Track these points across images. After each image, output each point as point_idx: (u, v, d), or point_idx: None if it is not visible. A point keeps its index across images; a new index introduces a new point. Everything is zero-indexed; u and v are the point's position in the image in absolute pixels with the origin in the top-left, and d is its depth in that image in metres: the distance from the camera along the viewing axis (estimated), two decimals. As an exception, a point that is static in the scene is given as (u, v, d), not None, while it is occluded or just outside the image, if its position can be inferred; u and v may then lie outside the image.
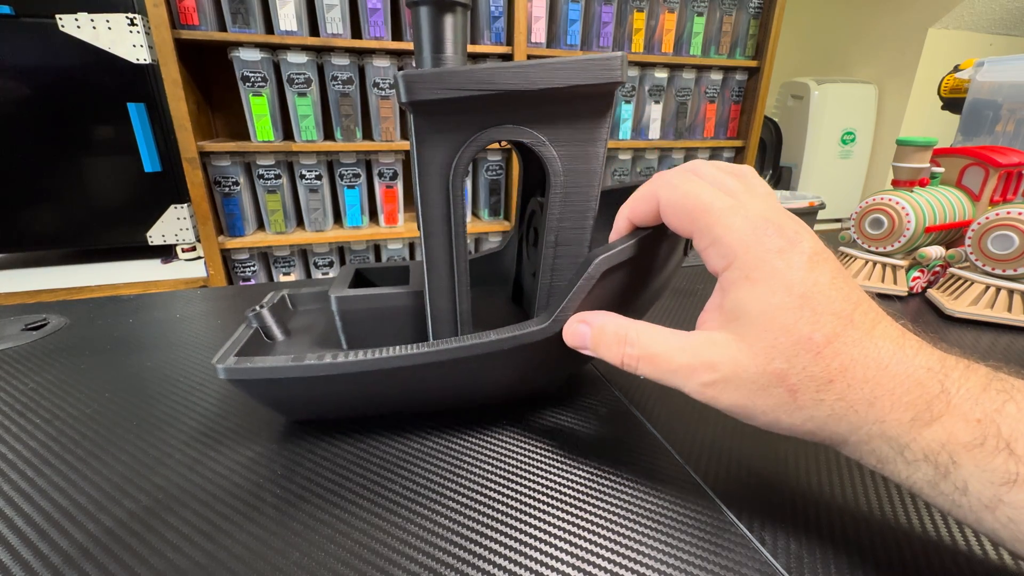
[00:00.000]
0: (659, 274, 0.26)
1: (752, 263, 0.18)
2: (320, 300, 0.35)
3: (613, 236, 0.23)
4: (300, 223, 1.43)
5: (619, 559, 0.20)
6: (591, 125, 0.23)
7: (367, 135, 1.37)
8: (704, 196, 0.19)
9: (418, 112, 0.22)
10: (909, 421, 0.16)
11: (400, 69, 1.27)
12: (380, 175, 1.40)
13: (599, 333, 0.22)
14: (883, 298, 0.48)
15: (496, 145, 0.25)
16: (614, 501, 0.23)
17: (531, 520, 0.22)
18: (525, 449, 0.26)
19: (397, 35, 1.30)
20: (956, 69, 1.08)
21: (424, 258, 0.25)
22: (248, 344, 0.28)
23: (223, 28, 1.18)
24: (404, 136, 1.37)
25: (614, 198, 0.33)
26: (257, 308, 0.30)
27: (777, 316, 0.18)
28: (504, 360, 0.25)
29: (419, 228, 0.25)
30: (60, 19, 1.09)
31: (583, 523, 0.22)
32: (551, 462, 0.25)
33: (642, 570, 0.19)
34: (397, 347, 0.24)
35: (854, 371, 0.17)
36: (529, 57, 1.36)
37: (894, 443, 0.17)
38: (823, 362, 0.17)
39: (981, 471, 0.15)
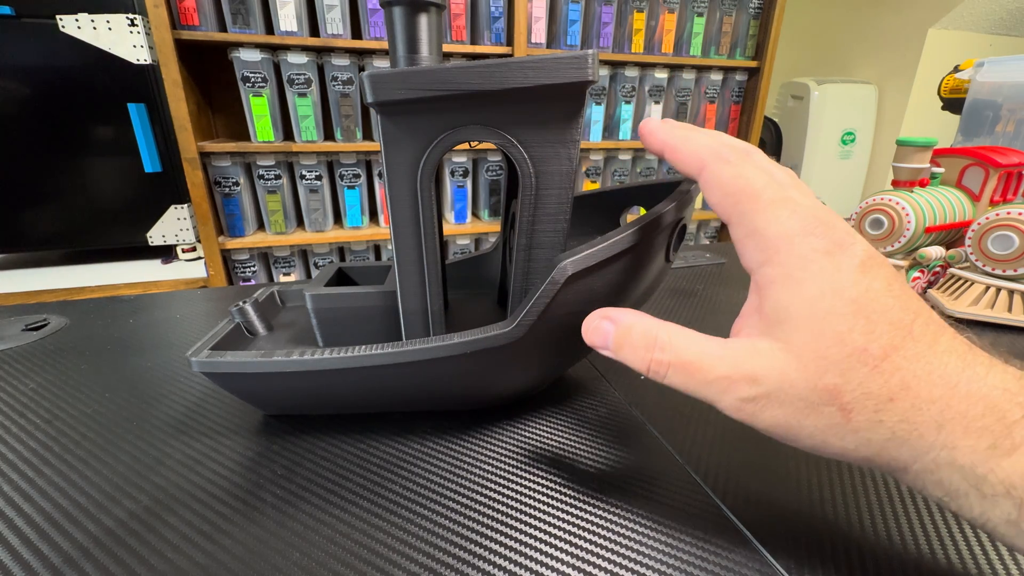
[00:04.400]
0: (637, 279, 0.25)
1: (796, 261, 0.16)
2: None
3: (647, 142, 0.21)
4: (300, 223, 1.43)
5: (619, 559, 0.20)
6: (562, 126, 0.22)
7: (367, 135, 1.37)
8: (756, 181, 0.17)
9: (384, 112, 0.22)
10: (986, 449, 0.14)
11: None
12: (380, 175, 1.40)
13: (624, 333, 0.19)
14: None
15: (466, 146, 0.24)
16: (614, 501, 0.23)
17: (531, 520, 0.22)
18: (525, 449, 0.26)
19: (397, 35, 1.30)
20: (956, 69, 1.08)
21: (394, 258, 0.25)
22: (226, 338, 0.28)
23: (223, 28, 1.18)
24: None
25: (614, 199, 0.33)
26: (241, 303, 0.30)
27: (827, 322, 0.15)
28: (470, 363, 0.25)
29: (390, 228, 0.25)
30: (60, 19, 1.09)
31: (583, 523, 0.22)
32: (551, 462, 0.25)
33: (642, 570, 0.19)
34: (361, 347, 0.25)
35: (918, 389, 0.15)
36: (529, 57, 1.35)
37: (968, 473, 0.15)
38: (881, 378, 0.15)
39: None
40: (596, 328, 0.20)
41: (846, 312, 0.15)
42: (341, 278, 0.33)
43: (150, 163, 1.23)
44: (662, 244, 0.25)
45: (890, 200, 0.47)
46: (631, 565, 0.20)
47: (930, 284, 0.50)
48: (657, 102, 1.56)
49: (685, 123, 0.20)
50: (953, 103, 1.06)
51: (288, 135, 1.32)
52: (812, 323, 0.16)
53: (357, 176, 1.37)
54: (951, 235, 0.50)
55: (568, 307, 0.23)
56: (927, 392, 0.15)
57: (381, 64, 1.28)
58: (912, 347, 0.15)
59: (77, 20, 1.11)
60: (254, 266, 1.38)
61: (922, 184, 0.49)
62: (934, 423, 0.15)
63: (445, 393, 0.28)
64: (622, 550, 0.20)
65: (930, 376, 0.15)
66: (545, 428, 0.28)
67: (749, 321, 0.18)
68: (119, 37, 1.14)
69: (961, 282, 0.45)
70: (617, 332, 0.19)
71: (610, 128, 1.58)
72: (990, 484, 0.14)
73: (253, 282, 1.39)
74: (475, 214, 1.58)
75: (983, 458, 0.14)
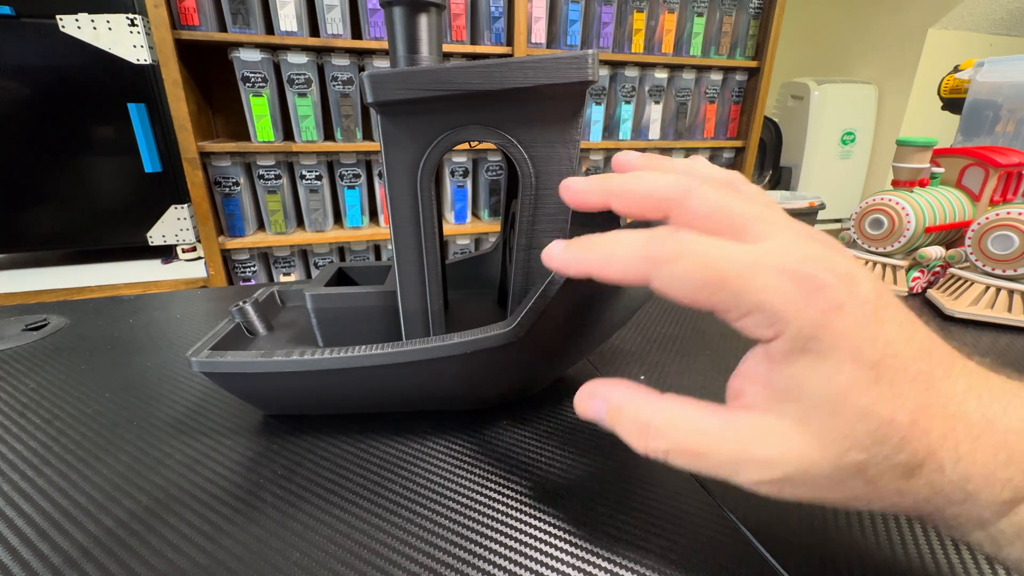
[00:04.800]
0: None
1: (808, 331, 0.14)
2: None
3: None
4: (300, 223, 1.43)
5: (619, 559, 0.20)
6: (562, 126, 0.22)
7: (367, 135, 1.37)
8: (713, 257, 0.15)
9: (384, 112, 0.22)
10: (1003, 503, 0.14)
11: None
12: (380, 175, 1.40)
13: (615, 414, 0.18)
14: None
15: (466, 146, 0.24)
16: (614, 501, 0.23)
17: (531, 520, 0.22)
18: (525, 449, 0.26)
19: (397, 35, 1.30)
20: (956, 69, 1.08)
21: (394, 258, 0.25)
22: (227, 338, 0.28)
23: (223, 28, 1.18)
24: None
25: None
26: (241, 303, 0.30)
27: (849, 398, 0.14)
28: (471, 363, 0.25)
29: (390, 228, 0.25)
30: (60, 19, 1.09)
31: (583, 523, 0.22)
32: (551, 463, 0.25)
33: (642, 570, 0.19)
34: (361, 347, 0.25)
35: (944, 452, 0.14)
36: (529, 57, 1.35)
37: (983, 523, 0.15)
38: (910, 448, 0.14)
39: None
40: (587, 407, 0.19)
41: (868, 381, 0.14)
42: (341, 278, 0.33)
43: (150, 163, 1.23)
44: None
45: (890, 200, 0.47)
46: (631, 565, 0.20)
47: (930, 284, 0.50)
48: (657, 102, 1.56)
49: (591, 242, 0.17)
50: (953, 103, 1.06)
51: (288, 135, 1.32)
52: (831, 401, 0.14)
53: (357, 176, 1.37)
54: (951, 235, 0.50)
55: (568, 307, 0.23)
56: (952, 452, 0.14)
57: (381, 64, 1.28)
58: (936, 400, 0.14)
59: (77, 20, 1.11)
60: (254, 266, 1.38)
61: (922, 184, 0.49)
62: (957, 484, 0.14)
63: (445, 393, 0.28)
64: (622, 550, 0.20)
65: (955, 432, 0.14)
66: (545, 428, 0.28)
67: (754, 389, 0.16)
68: (119, 37, 1.14)
69: (961, 282, 0.45)
70: (608, 413, 0.18)
71: (610, 128, 1.58)
72: (1003, 532, 0.14)
73: (253, 282, 1.39)
74: (475, 214, 1.58)
75: (999, 510, 0.14)
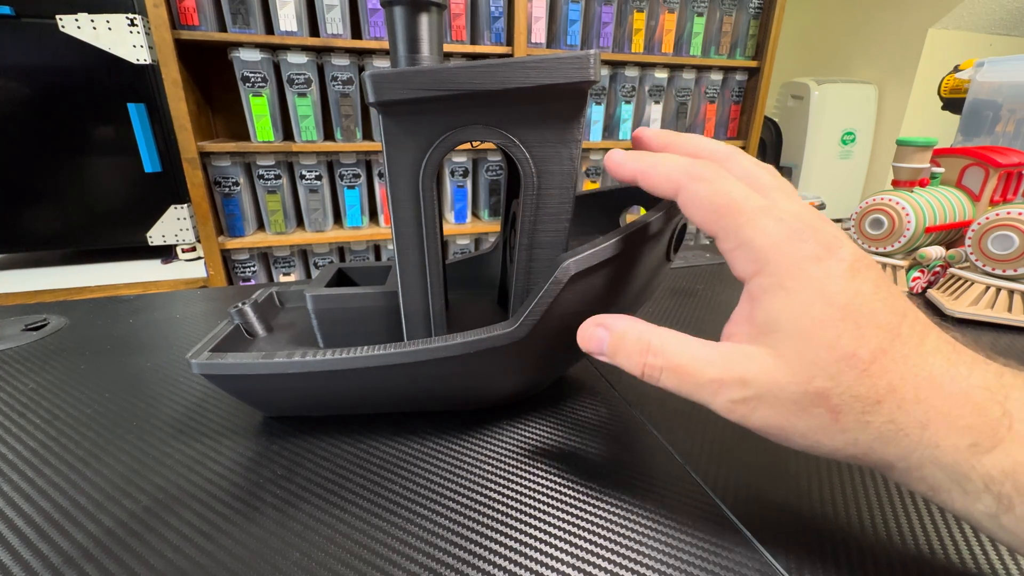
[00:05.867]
0: (639, 279, 0.25)
1: (786, 270, 0.16)
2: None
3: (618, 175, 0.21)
4: (300, 223, 1.43)
5: (619, 559, 0.20)
6: (564, 125, 0.22)
7: (367, 135, 1.37)
8: (735, 193, 0.18)
9: (386, 112, 0.22)
10: (968, 447, 0.15)
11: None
12: (380, 175, 1.40)
13: (619, 339, 0.20)
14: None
15: (468, 146, 0.24)
16: (614, 501, 0.23)
17: (531, 520, 0.22)
18: (525, 449, 0.26)
19: (397, 35, 1.30)
20: (956, 69, 1.08)
21: (396, 259, 0.25)
22: (226, 340, 0.28)
23: (223, 28, 1.18)
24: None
25: (614, 199, 0.33)
26: (240, 304, 0.30)
27: (818, 330, 0.16)
28: (474, 363, 0.25)
29: (391, 229, 0.24)
30: (60, 19, 1.09)
31: (583, 523, 0.22)
32: (551, 462, 0.25)
33: (642, 570, 0.19)
34: (364, 348, 0.25)
35: (904, 390, 0.15)
36: (529, 57, 1.35)
37: (950, 471, 0.15)
38: (870, 380, 0.16)
39: None
40: (591, 335, 0.21)
41: (835, 318, 0.16)
42: (341, 278, 0.32)
43: (150, 163, 1.23)
44: (663, 244, 0.25)
45: (890, 200, 0.47)
46: (631, 565, 0.20)
47: (930, 284, 0.50)
48: (657, 102, 1.56)
49: (645, 154, 0.20)
50: (953, 103, 1.06)
51: (288, 135, 1.32)
52: (802, 331, 0.16)
53: (357, 176, 1.37)
54: (951, 235, 0.50)
55: (571, 306, 0.23)
56: (913, 393, 0.15)
57: (381, 64, 1.28)
58: (899, 349, 0.16)
59: (77, 20, 1.11)
60: (254, 266, 1.38)
61: (922, 184, 0.49)
62: (919, 423, 0.15)
63: (447, 393, 0.28)
64: (622, 550, 0.20)
65: (916, 378, 0.16)
66: (545, 428, 0.28)
67: (740, 328, 0.18)
68: (119, 37, 1.14)
69: (961, 282, 0.45)
70: (612, 338, 0.20)
71: (610, 128, 1.58)
72: (971, 481, 0.15)
73: (253, 282, 1.39)
74: (475, 214, 1.58)
75: (965, 456, 0.15)
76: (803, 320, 0.16)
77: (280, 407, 0.29)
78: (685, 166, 0.19)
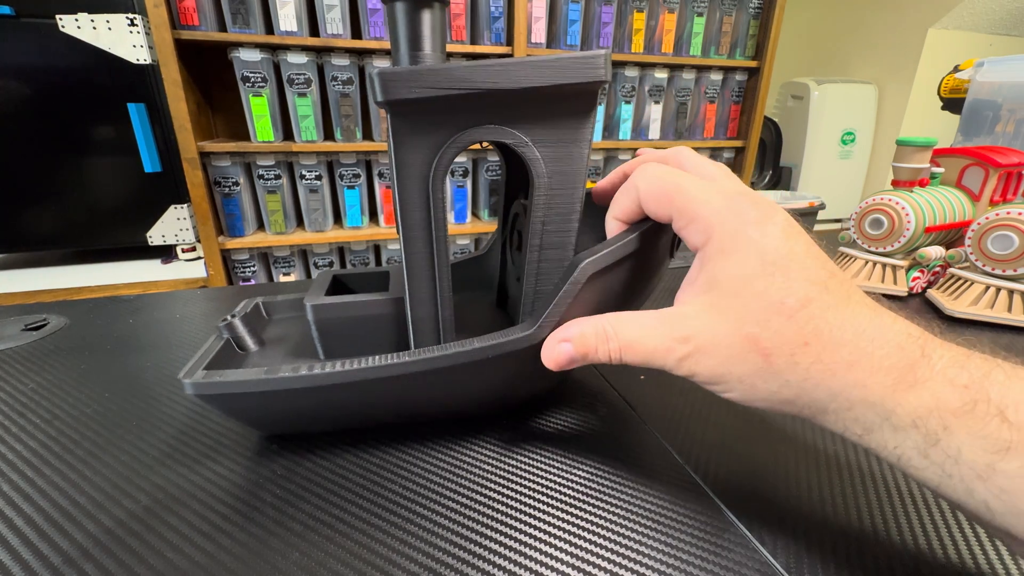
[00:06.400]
0: (648, 275, 0.25)
1: (729, 235, 0.18)
2: (296, 308, 0.34)
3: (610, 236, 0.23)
4: (300, 223, 1.43)
5: (619, 559, 0.20)
6: (575, 125, 0.22)
7: (367, 135, 1.37)
8: (680, 178, 0.20)
9: (395, 112, 0.21)
10: (892, 384, 0.16)
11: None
12: (380, 175, 1.40)
13: (581, 341, 0.21)
14: (883, 298, 0.48)
15: (477, 146, 0.24)
16: (614, 501, 0.23)
17: (531, 520, 0.22)
18: (525, 449, 0.26)
19: (397, 35, 1.30)
20: (956, 69, 1.08)
21: (404, 263, 0.24)
22: (218, 356, 0.26)
23: (223, 28, 1.18)
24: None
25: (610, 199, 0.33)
26: (228, 318, 0.29)
27: (749, 282, 0.18)
28: (488, 368, 0.24)
29: (398, 232, 0.24)
30: (60, 19, 1.09)
31: (583, 523, 0.22)
32: (551, 462, 0.25)
33: (642, 570, 0.19)
34: (377, 357, 0.23)
35: (830, 334, 0.17)
36: (529, 57, 1.35)
37: (878, 409, 0.16)
38: (796, 325, 0.17)
39: (974, 438, 0.15)
40: (559, 351, 0.22)
41: (767, 272, 0.18)
42: (337, 286, 0.31)
43: (150, 163, 1.23)
44: (668, 242, 0.25)
45: (890, 200, 0.47)
46: (631, 565, 0.20)
47: (930, 284, 0.50)
48: (657, 102, 1.56)
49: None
50: (953, 103, 1.06)
51: (288, 135, 1.32)
52: (736, 285, 0.18)
53: (357, 176, 1.37)
54: (951, 235, 0.50)
55: (585, 306, 0.23)
56: (838, 336, 0.17)
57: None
58: (826, 299, 0.17)
59: (77, 20, 1.11)
60: (254, 266, 1.38)
61: (922, 184, 0.49)
62: (845, 363, 0.17)
63: (459, 400, 0.27)
64: (622, 550, 0.20)
65: (842, 324, 0.17)
66: (545, 428, 0.28)
67: (686, 290, 0.20)
68: (119, 37, 1.14)
69: (961, 282, 0.45)
70: (576, 344, 0.21)
71: (610, 128, 1.58)
72: (899, 417, 0.16)
73: (253, 282, 1.39)
74: (475, 214, 1.58)
75: (890, 392, 0.16)
76: (737, 275, 0.18)
77: (281, 425, 0.27)
78: (638, 173, 0.21)
